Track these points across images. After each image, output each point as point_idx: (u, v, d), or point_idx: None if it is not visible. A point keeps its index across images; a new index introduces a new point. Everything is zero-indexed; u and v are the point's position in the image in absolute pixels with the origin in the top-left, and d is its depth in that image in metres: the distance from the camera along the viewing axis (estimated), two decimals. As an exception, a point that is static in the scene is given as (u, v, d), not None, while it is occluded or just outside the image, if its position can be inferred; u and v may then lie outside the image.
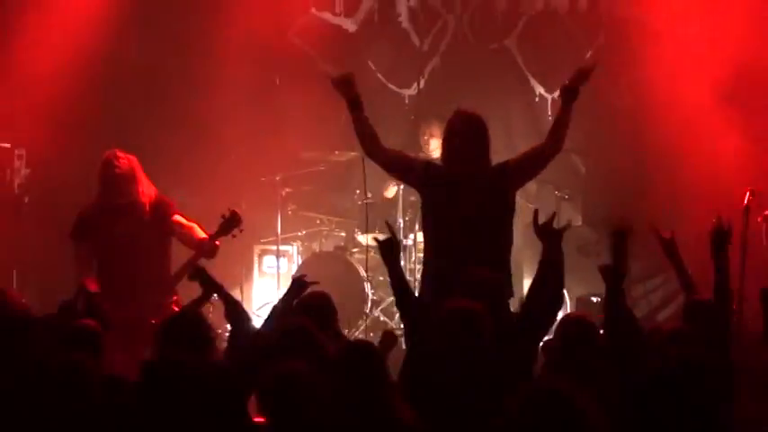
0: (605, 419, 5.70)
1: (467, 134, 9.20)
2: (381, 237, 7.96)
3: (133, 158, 10.15)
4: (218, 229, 9.96)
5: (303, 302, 8.11)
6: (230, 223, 9.95)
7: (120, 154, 10.11)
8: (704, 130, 12.74)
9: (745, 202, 10.75)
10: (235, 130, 13.16)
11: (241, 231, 10.06)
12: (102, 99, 13.13)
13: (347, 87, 9.21)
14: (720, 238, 7.79)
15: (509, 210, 9.18)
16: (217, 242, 9.89)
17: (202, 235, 10.11)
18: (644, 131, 13.20)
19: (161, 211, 10.13)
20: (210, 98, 13.09)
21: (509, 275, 9.11)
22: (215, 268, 11.51)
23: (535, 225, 7.76)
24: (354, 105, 9.19)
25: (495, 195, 9.15)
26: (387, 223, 8.40)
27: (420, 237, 11.40)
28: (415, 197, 12.05)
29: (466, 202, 9.06)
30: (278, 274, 12.97)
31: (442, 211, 9.16)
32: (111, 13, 13.30)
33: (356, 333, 12.06)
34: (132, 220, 10.07)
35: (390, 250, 7.90)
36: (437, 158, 12.06)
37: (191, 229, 10.12)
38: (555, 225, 7.82)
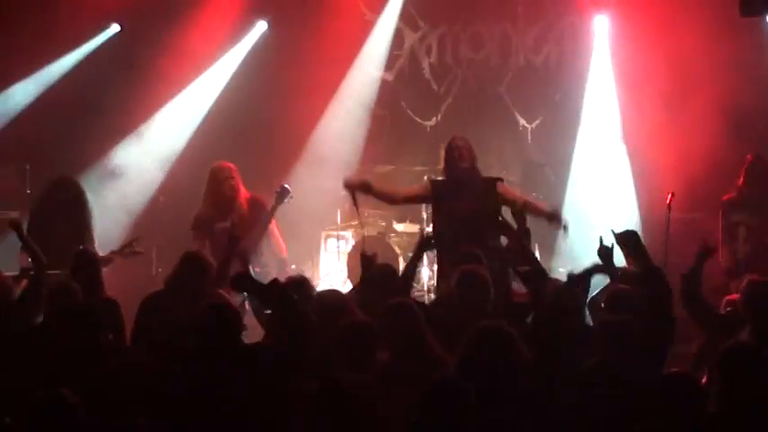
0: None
1: (462, 150, 9.78)
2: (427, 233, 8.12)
3: (234, 167, 10.46)
4: (275, 201, 10.28)
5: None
6: (281, 195, 10.27)
7: (225, 165, 10.50)
8: (647, 143, 12.79)
9: (668, 201, 10.75)
10: (310, 151, 13.35)
11: (291, 198, 10.37)
12: (218, 130, 13.27)
13: (354, 184, 9.63)
14: (607, 252, 7.66)
15: (496, 206, 9.53)
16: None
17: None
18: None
19: (257, 207, 10.41)
20: (294, 129, 13.29)
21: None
22: (296, 247, 12.09)
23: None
24: (367, 191, 9.60)
25: (485, 196, 9.62)
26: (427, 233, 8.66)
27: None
28: None
29: (465, 197, 9.55)
30: (338, 251, 13.12)
31: (447, 204, 9.66)
32: (230, 66, 13.58)
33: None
34: (235, 215, 10.26)
35: (427, 244, 8.47)
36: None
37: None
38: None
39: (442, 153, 12.47)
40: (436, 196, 9.89)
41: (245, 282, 6.90)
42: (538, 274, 7.41)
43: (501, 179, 10.02)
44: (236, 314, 6.73)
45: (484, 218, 9.48)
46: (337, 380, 5.76)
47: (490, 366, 5.88)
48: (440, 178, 10.21)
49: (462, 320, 7.19)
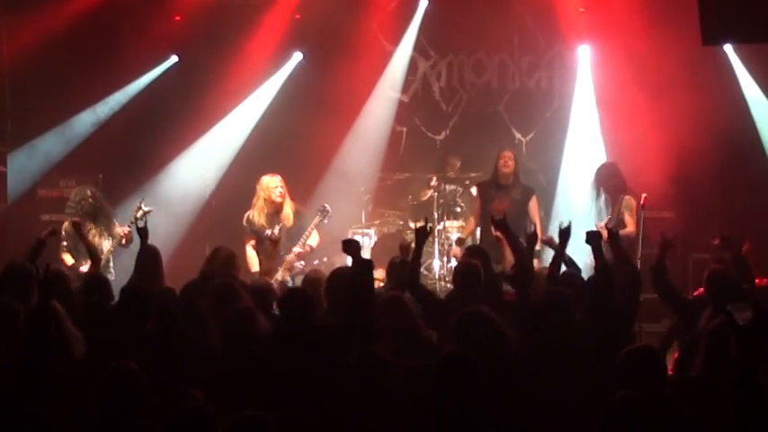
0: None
1: (508, 162, 10.73)
2: (420, 224, 7.68)
3: (281, 178, 10.45)
4: (318, 218, 10.14)
5: None
6: (323, 213, 10.17)
7: (274, 175, 10.42)
8: (623, 152, 12.40)
9: (642, 202, 10.68)
10: (339, 160, 13.27)
11: (330, 217, 10.24)
12: (261, 144, 13.21)
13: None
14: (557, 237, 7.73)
15: (526, 205, 10.69)
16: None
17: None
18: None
19: (300, 216, 10.34)
20: (326, 142, 13.15)
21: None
22: (327, 243, 12.01)
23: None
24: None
25: (522, 199, 10.75)
26: (425, 218, 8.10)
27: (448, 223, 12.18)
28: (444, 200, 12.63)
29: (506, 197, 10.65)
30: (363, 246, 12.24)
31: (492, 202, 10.63)
32: (271, 90, 13.48)
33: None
34: (281, 223, 10.18)
35: (424, 234, 7.68)
36: (452, 175, 12.54)
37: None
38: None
39: (449, 164, 12.78)
40: (483, 194, 10.84)
41: (353, 247, 6.78)
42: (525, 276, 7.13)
43: (531, 192, 10.92)
44: (311, 298, 6.66)
45: (515, 216, 10.04)
46: (379, 354, 5.59)
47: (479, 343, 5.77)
48: (486, 180, 11.09)
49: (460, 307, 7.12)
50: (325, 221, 10.32)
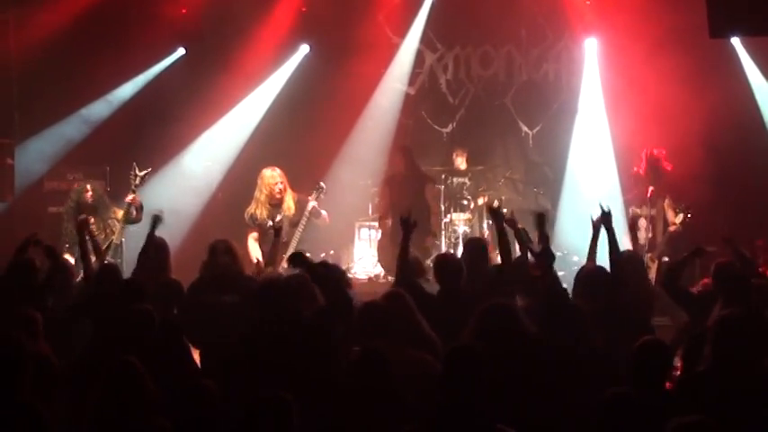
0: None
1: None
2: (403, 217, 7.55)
3: (281, 171, 10.49)
4: (314, 194, 10.32)
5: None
6: (318, 190, 10.35)
7: (273, 169, 10.49)
8: (630, 144, 12.39)
9: (649, 195, 10.93)
10: (346, 153, 13.26)
11: (325, 193, 10.43)
12: (268, 137, 13.20)
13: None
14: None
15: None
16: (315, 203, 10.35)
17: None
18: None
19: (301, 205, 10.42)
20: (332, 135, 13.17)
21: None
22: (333, 236, 12.08)
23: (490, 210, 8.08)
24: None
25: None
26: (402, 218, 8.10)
27: (455, 216, 12.23)
28: (450, 193, 12.68)
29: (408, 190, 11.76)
30: (369, 239, 13.02)
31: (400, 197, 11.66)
32: (278, 82, 13.47)
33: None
34: (283, 213, 10.31)
35: (408, 224, 7.50)
36: (463, 170, 12.51)
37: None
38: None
39: (455, 155, 12.70)
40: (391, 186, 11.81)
41: (299, 260, 6.73)
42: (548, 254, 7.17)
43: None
44: (296, 289, 6.60)
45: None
46: (377, 347, 5.53)
47: (501, 336, 5.75)
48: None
49: (444, 297, 7.25)
50: (322, 197, 10.40)
